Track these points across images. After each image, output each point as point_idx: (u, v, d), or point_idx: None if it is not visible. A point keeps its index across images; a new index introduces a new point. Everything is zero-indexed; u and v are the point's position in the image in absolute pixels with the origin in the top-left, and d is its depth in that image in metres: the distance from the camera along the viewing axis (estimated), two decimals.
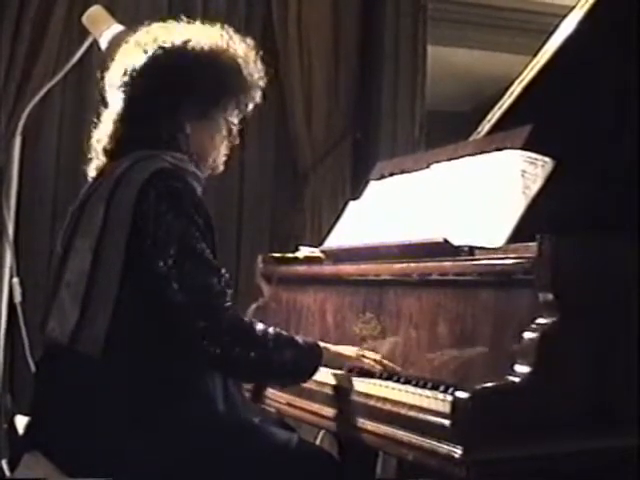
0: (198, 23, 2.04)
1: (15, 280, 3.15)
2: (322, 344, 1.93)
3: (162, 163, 1.85)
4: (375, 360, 1.95)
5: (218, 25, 2.03)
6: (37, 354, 1.99)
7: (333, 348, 1.96)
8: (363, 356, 1.97)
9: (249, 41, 2.05)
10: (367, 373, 1.95)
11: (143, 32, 2.03)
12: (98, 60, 3.26)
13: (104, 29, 2.79)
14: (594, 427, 1.63)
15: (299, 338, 1.89)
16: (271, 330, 1.84)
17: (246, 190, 4.00)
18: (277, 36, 3.97)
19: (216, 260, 1.84)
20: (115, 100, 1.99)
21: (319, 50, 4.01)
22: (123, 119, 1.96)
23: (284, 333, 1.88)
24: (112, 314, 1.76)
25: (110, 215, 1.81)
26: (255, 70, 2.03)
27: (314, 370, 1.90)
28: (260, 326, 1.84)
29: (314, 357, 1.89)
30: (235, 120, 2.06)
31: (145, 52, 1.96)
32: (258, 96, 2.05)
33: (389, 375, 1.90)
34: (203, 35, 1.99)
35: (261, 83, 2.04)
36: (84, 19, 2.89)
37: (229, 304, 1.79)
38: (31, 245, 3.56)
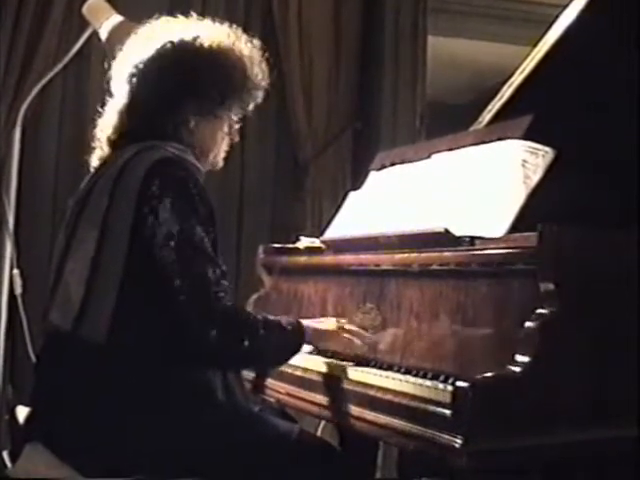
0: (208, 20, 2.05)
1: (15, 272, 3.16)
2: (304, 322, 1.95)
3: (165, 152, 1.87)
4: (351, 331, 2.00)
5: (226, 24, 2.04)
6: (38, 345, 2.00)
7: (312, 325, 1.98)
8: (342, 329, 2.01)
9: (255, 42, 2.06)
10: (364, 361, 1.96)
11: (152, 26, 2.04)
12: (98, 51, 3.26)
13: (104, 20, 2.78)
14: (593, 417, 1.63)
15: (283, 320, 1.91)
16: (259, 317, 1.86)
17: (247, 181, 4.00)
18: (278, 28, 3.96)
19: (218, 248, 1.85)
20: (121, 91, 1.99)
21: (320, 41, 4.00)
22: (128, 110, 1.96)
23: (270, 318, 1.89)
24: (116, 300, 1.76)
25: (114, 204, 1.82)
26: (260, 71, 2.04)
27: (298, 349, 1.93)
28: (251, 315, 1.88)
29: (298, 337, 1.92)
30: (236, 118, 2.08)
31: (153, 46, 1.97)
32: (260, 96, 2.07)
33: (389, 365, 1.91)
34: (211, 33, 2.00)
35: (264, 84, 2.06)
36: (84, 10, 2.89)
37: (222, 294, 1.79)
38: (31, 236, 3.55)
